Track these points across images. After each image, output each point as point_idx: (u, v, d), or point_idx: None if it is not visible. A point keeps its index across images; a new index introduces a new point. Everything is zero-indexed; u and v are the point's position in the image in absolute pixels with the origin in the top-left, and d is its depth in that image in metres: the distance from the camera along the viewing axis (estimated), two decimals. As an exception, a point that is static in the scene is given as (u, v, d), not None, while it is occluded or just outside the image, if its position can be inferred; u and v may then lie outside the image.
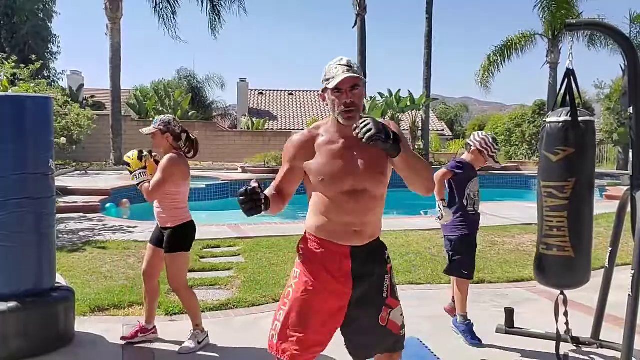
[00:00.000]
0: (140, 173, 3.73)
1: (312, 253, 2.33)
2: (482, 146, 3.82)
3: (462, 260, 3.84)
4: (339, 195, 2.25)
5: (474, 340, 3.80)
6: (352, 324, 2.35)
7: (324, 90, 2.27)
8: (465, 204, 3.79)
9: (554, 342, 3.81)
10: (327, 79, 2.23)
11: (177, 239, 3.77)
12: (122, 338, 3.92)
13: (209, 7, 19.37)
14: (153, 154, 3.93)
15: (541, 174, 3.60)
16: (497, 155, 3.92)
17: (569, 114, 3.43)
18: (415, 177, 2.27)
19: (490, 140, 3.90)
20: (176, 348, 3.84)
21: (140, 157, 3.76)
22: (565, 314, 3.63)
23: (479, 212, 3.93)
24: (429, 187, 2.34)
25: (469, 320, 3.84)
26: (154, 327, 4.00)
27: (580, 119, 3.43)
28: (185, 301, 3.92)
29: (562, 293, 3.65)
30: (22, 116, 3.68)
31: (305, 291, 2.30)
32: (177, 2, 19.35)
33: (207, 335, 3.90)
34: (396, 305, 2.40)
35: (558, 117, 3.47)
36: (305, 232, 2.40)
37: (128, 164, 3.77)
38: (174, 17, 19.14)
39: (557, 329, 3.63)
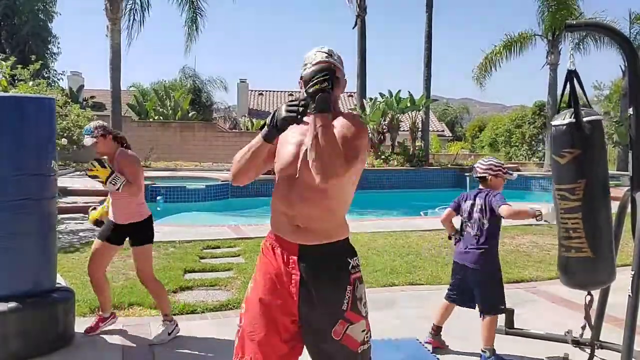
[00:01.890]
0: (114, 177, 3.81)
1: (266, 249, 2.28)
2: (494, 171, 3.82)
3: (502, 294, 3.75)
4: (281, 178, 2.21)
5: None
6: (305, 334, 2.19)
7: (301, 78, 2.19)
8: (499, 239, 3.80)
9: (554, 343, 3.82)
10: (305, 64, 2.20)
11: (146, 231, 4.01)
12: (86, 331, 4.02)
13: (188, 16, 19.31)
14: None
15: (553, 176, 3.59)
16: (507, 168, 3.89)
17: (572, 116, 3.43)
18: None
19: (494, 160, 3.91)
20: (176, 349, 3.85)
21: (103, 165, 3.84)
22: (588, 317, 3.62)
23: None
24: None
25: (494, 348, 3.70)
26: (112, 313, 4.20)
27: (586, 118, 3.42)
28: (155, 292, 4.07)
29: (589, 294, 3.64)
30: (25, 117, 3.67)
31: (256, 292, 2.23)
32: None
33: (177, 325, 4.04)
34: (358, 320, 2.15)
35: (562, 119, 3.47)
36: None
37: (96, 176, 3.82)
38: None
39: (592, 329, 3.62)
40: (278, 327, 2.18)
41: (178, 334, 4.04)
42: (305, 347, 2.23)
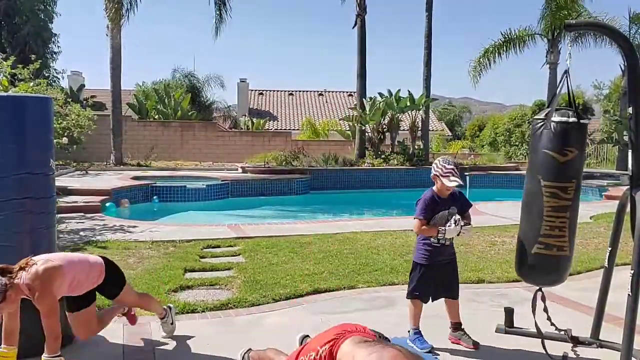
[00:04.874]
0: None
1: None
2: (434, 170, 3.89)
3: (413, 283, 3.97)
4: None
5: (424, 344, 3.85)
6: None
7: None
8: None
9: (554, 342, 3.83)
10: None
11: (115, 279, 3.65)
12: None
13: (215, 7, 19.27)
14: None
15: (544, 173, 3.54)
16: (453, 172, 3.82)
17: (574, 115, 3.48)
18: None
19: (440, 161, 3.92)
20: (176, 348, 3.87)
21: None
22: (545, 309, 3.72)
23: (446, 243, 3.90)
24: None
25: (418, 329, 3.95)
26: None
27: (581, 121, 3.48)
28: (146, 305, 4.04)
29: (540, 290, 3.75)
30: (23, 116, 3.67)
31: None
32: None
33: (171, 309, 4.13)
34: None
35: (567, 117, 3.48)
36: None
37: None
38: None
39: (536, 323, 3.70)
40: None
41: (179, 334, 4.06)
42: None
